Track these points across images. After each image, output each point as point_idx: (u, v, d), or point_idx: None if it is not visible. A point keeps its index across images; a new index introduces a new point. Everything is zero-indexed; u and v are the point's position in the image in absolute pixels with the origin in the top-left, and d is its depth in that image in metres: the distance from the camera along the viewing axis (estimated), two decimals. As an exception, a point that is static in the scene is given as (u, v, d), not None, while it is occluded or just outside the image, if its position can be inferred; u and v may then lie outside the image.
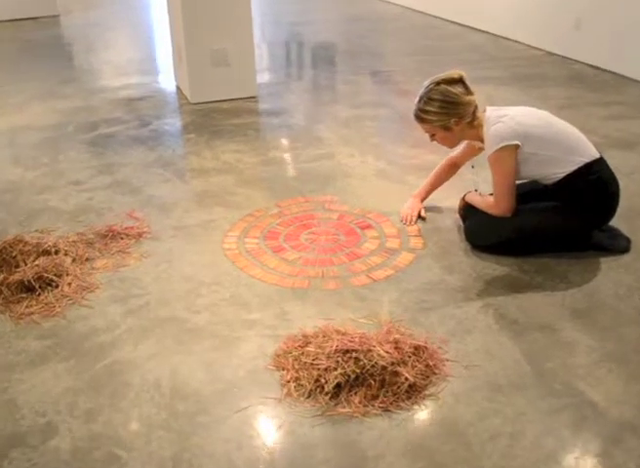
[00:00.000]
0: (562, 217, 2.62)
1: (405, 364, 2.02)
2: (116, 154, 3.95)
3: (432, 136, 2.74)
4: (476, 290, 2.51)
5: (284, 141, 4.23)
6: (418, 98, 2.66)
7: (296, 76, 6.08)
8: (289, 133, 4.36)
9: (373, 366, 1.97)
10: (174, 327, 2.33)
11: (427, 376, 2.03)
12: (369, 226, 3.02)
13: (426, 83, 2.65)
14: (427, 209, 3.11)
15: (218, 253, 2.81)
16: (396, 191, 3.36)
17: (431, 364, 2.07)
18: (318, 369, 2.01)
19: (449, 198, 3.17)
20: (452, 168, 3.08)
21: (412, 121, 2.77)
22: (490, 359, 2.13)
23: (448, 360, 2.12)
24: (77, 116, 4.69)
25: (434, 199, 3.16)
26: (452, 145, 2.81)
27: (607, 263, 2.66)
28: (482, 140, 2.66)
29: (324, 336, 2.14)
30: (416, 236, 2.92)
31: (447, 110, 2.59)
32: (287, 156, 3.97)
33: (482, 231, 2.76)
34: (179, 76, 5.32)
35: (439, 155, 3.10)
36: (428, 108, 2.62)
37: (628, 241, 2.75)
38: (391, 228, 3.00)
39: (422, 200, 3.13)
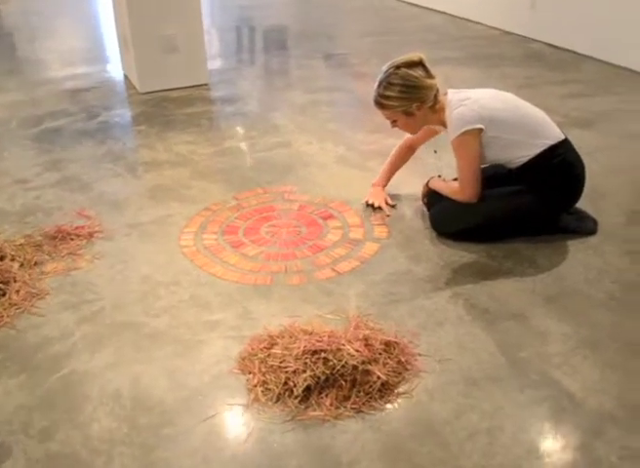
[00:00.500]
0: (528, 201, 2.57)
1: (376, 361, 1.95)
2: (63, 149, 3.77)
3: (394, 123, 2.65)
4: (445, 279, 2.44)
5: (239, 130, 4.09)
6: (377, 84, 2.57)
7: (248, 61, 5.93)
8: (244, 121, 4.22)
9: (343, 366, 1.89)
10: (132, 332, 2.21)
11: (400, 373, 1.96)
12: (331, 216, 2.93)
13: (385, 67, 2.55)
14: (390, 196, 3.02)
15: (175, 252, 2.69)
16: (357, 178, 3.27)
17: (403, 360, 1.99)
18: (286, 371, 1.91)
19: (411, 184, 3.09)
20: (409, 150, 3.00)
21: (369, 105, 2.68)
22: (463, 351, 2.06)
23: (420, 354, 2.05)
24: (21, 110, 4.47)
25: (396, 185, 3.08)
26: (414, 131, 2.73)
27: (575, 246, 2.62)
28: (445, 125, 2.59)
29: (290, 337, 2.05)
30: (380, 225, 2.84)
31: (408, 95, 2.51)
32: (243, 146, 3.84)
33: (448, 218, 2.70)
34: (126, 65, 5.12)
35: (399, 138, 3.02)
36: (389, 93, 2.53)
37: (595, 223, 2.72)
38: (354, 217, 2.91)
39: (384, 187, 3.05)
